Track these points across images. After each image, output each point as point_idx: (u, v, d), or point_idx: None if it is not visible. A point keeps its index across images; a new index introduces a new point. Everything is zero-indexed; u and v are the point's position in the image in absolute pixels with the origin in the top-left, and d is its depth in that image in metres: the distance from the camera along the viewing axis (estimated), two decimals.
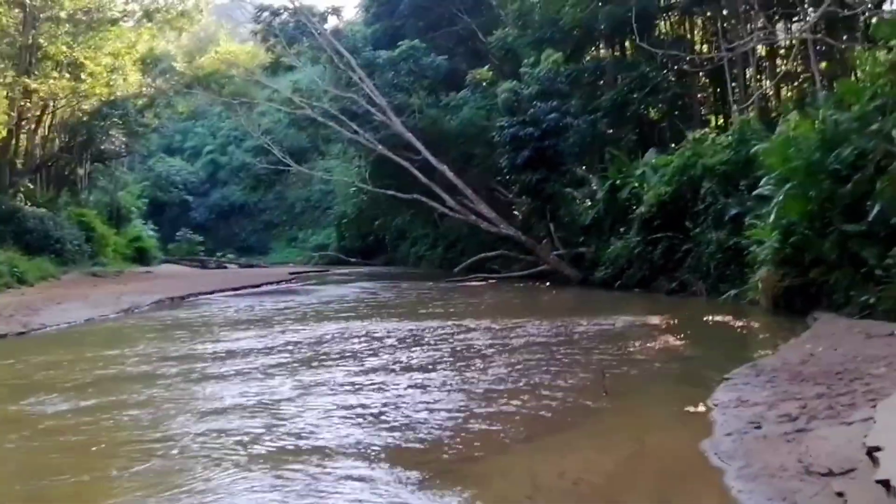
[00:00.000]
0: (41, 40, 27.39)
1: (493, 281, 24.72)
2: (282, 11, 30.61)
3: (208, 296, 20.83)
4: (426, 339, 10.39)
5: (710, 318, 12.88)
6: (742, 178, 17.66)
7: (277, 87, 32.44)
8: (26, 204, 28.02)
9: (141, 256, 37.68)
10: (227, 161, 67.41)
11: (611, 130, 27.19)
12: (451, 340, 10.22)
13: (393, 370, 7.89)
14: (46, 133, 33.13)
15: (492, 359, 8.57)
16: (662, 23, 29.26)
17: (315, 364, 8.48)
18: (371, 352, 9.26)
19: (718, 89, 29.80)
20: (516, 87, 24.29)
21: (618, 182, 22.25)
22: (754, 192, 14.81)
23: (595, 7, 26.57)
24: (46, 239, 26.45)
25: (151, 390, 7.00)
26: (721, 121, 29.41)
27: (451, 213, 25.97)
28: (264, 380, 7.49)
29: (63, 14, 27.87)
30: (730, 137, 18.86)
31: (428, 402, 6.28)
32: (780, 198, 12.47)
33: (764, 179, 13.77)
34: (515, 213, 28.81)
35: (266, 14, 30.46)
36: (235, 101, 31.15)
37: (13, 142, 29.47)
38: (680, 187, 18.98)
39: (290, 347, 9.80)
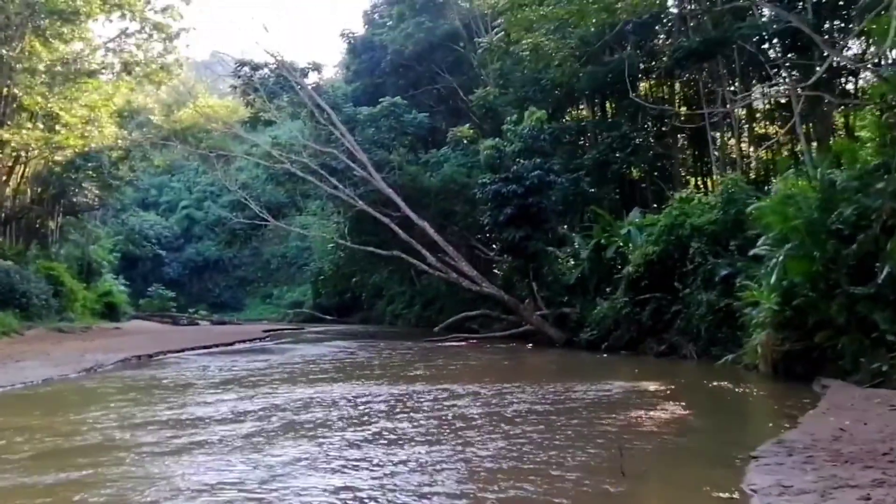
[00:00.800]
0: (16, 90, 26.70)
1: (474, 341, 23.90)
2: (262, 66, 30.25)
3: (178, 354, 19.77)
4: (414, 406, 9.56)
5: (709, 383, 12.21)
6: (731, 238, 17.25)
7: (256, 141, 31.88)
8: None
9: (110, 312, 36.51)
10: (202, 216, 66.52)
11: (592, 189, 26.81)
12: (440, 408, 9.39)
13: (382, 443, 7.06)
14: (18, 184, 32.17)
15: (488, 430, 7.77)
16: (643, 84, 29.22)
17: (295, 434, 7.62)
18: (356, 420, 8.41)
19: (697, 151, 29.75)
20: (499, 144, 23.91)
21: (602, 241, 21.75)
22: (750, 252, 14.25)
23: (577, 68, 26.51)
24: (11, 293, 25.33)
25: (106, 467, 6.10)
26: (701, 181, 29.32)
27: (431, 271, 25.28)
28: (239, 453, 6.62)
29: (41, 66, 27.24)
30: (717, 197, 18.48)
31: (424, 485, 5.46)
32: (780, 258, 11.94)
33: (761, 239, 13.24)
34: (496, 271, 28.18)
35: (246, 69, 30.09)
36: (213, 153, 30.52)
37: None
38: (667, 247, 18.46)
39: (266, 414, 8.92)
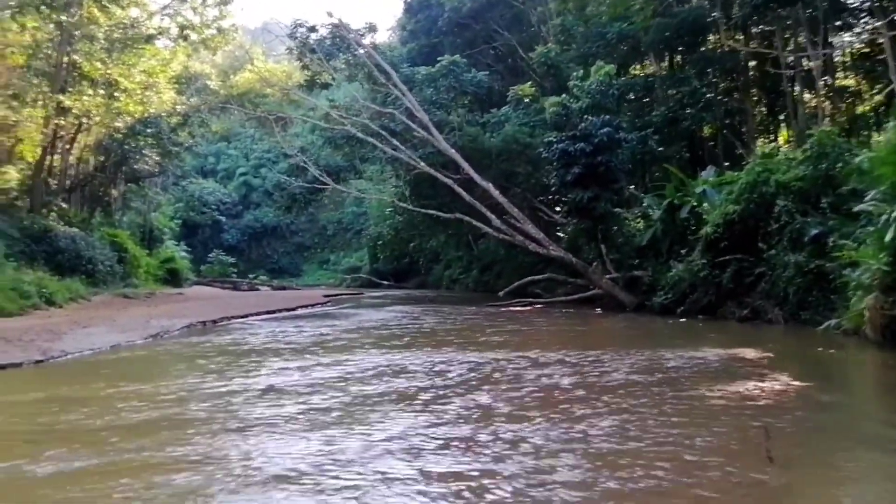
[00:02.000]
0: (76, 58, 26.46)
1: (540, 306, 23.09)
2: (318, 28, 29.46)
3: (242, 319, 19.41)
4: (497, 376, 8.80)
5: (811, 350, 11.17)
6: (821, 194, 16.00)
7: (313, 105, 31.22)
8: (59, 224, 26.97)
9: (173, 278, 36.54)
10: (259, 183, 66.74)
11: (660, 148, 25.50)
12: (528, 378, 8.61)
13: (475, 419, 6.30)
14: (80, 153, 32.21)
15: (591, 404, 6.95)
16: (712, 37, 27.56)
17: (376, 408, 6.93)
18: (438, 392, 7.67)
19: (771, 106, 28.14)
20: (565, 101, 22.75)
21: (675, 201, 20.61)
22: (852, 209, 13.01)
23: (645, 20, 25.07)
24: (78, 259, 25.31)
25: (178, 444, 5.47)
26: (775, 137, 27.73)
27: (495, 234, 24.38)
28: (320, 430, 5.93)
29: (100, 33, 26.93)
30: (805, 152, 17.12)
31: (541, 472, 4.67)
32: (894, 213, 10.76)
33: (871, 193, 11.99)
34: (559, 234, 27.14)
35: (302, 30, 29.27)
36: (272, 115, 29.92)
37: (48, 161, 28.52)
38: (749, 205, 17.22)
39: (340, 384, 8.26)
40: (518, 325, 16.93)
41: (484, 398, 7.27)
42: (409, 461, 4.95)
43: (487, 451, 5.15)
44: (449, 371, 9.13)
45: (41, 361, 10.52)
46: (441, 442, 5.48)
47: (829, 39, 24.35)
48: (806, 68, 23.78)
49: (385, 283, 47.84)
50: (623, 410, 6.62)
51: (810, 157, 16.65)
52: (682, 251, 19.79)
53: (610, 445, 5.34)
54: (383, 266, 49.72)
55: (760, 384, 7.99)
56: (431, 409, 6.73)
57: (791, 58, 23.86)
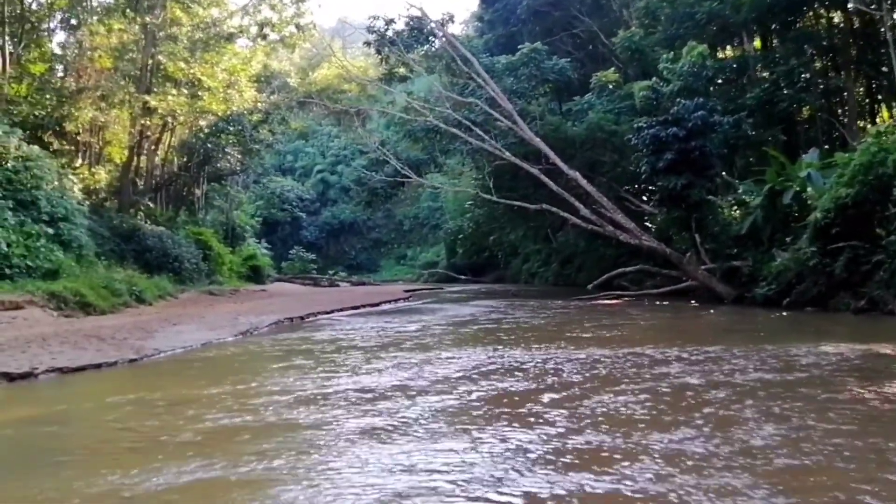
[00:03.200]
0: (160, 58, 26.72)
1: (629, 299, 22.13)
2: (396, 20, 29.02)
3: (328, 315, 19.12)
4: (616, 375, 8.02)
5: None
6: None
7: (391, 99, 30.92)
8: (146, 223, 27.37)
9: (255, 274, 37.06)
10: (336, 180, 67.34)
11: (752, 132, 24.09)
12: (649, 377, 7.80)
13: (612, 426, 5.55)
14: (165, 153, 32.72)
15: (736, 408, 6.12)
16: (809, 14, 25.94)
17: (493, 413, 6.25)
18: (560, 395, 6.93)
19: (870, 85, 26.33)
20: (655, 84, 21.66)
21: (777, 186, 19.30)
22: None
23: None
24: (165, 257, 25.62)
25: (283, 456, 4.90)
26: (875, 119, 25.93)
27: (584, 224, 23.46)
28: (438, 439, 5.29)
29: (182, 31, 27.16)
30: None
31: (717, 494, 3.90)
32: None
33: None
34: (647, 224, 26.03)
35: (380, 23, 28.92)
36: (353, 109, 29.67)
37: (135, 162, 28.98)
38: (864, 188, 15.86)
39: (447, 385, 7.63)
40: (615, 318, 16.03)
41: (613, 400, 6.51)
42: (554, 479, 4.24)
43: (642, 467, 4.40)
44: (562, 370, 8.39)
45: (135, 360, 10.26)
46: (574, 454, 4.76)
47: None
48: None
49: (462, 277, 47.40)
50: (777, 416, 5.76)
51: None
52: (787, 239, 18.52)
53: (786, 461, 4.51)
54: (460, 260, 49.28)
55: None
56: (559, 415, 6.00)
57: (893, 35, 22.14)
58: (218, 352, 11.39)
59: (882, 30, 24.52)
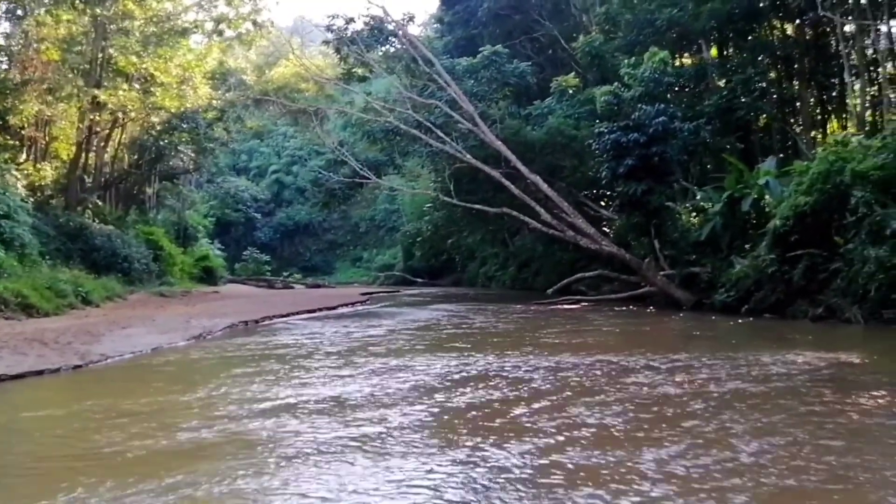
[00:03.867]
0: (112, 52, 25.79)
1: (588, 304, 22.03)
2: (356, 19, 28.55)
3: (284, 319, 18.56)
4: (588, 384, 7.75)
5: None
6: None
7: (350, 99, 30.45)
8: (95, 221, 26.40)
9: (208, 276, 36.30)
10: (291, 181, 66.57)
11: (709, 140, 24.22)
12: (622, 386, 7.56)
13: (594, 441, 5.25)
14: (116, 150, 31.69)
15: (718, 420, 5.89)
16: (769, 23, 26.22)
17: (467, 426, 5.90)
18: (533, 406, 6.63)
19: (825, 94, 26.73)
20: (616, 89, 21.58)
21: (736, 193, 19.35)
22: None
23: (697, 5, 23.81)
24: (114, 257, 24.77)
25: (245, 478, 4.48)
26: (836, 127, 26.34)
27: (545, 229, 23.30)
28: (410, 459, 4.92)
29: (135, 25, 26.27)
30: (884, 139, 15.85)
31: None
32: None
33: None
34: (605, 229, 26.00)
35: (339, 21, 28.41)
36: (311, 108, 29.10)
37: (83, 158, 27.95)
38: (823, 197, 15.95)
39: (416, 396, 7.27)
40: (576, 324, 15.84)
41: (591, 412, 6.22)
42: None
43: (635, 490, 4.10)
44: (533, 378, 8.10)
45: (80, 366, 9.66)
46: (571, 473, 4.44)
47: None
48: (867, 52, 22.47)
49: (419, 280, 47.06)
50: (762, 430, 5.55)
51: (890, 144, 15.40)
52: (746, 246, 18.58)
53: (781, 481, 4.26)
54: (417, 263, 48.95)
55: None
56: (537, 428, 5.69)
57: (846, 46, 22.57)
58: (169, 357, 10.82)
59: (833, 42, 25.06)
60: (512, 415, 6.20)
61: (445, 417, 6.26)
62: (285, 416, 6.30)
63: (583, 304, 22.20)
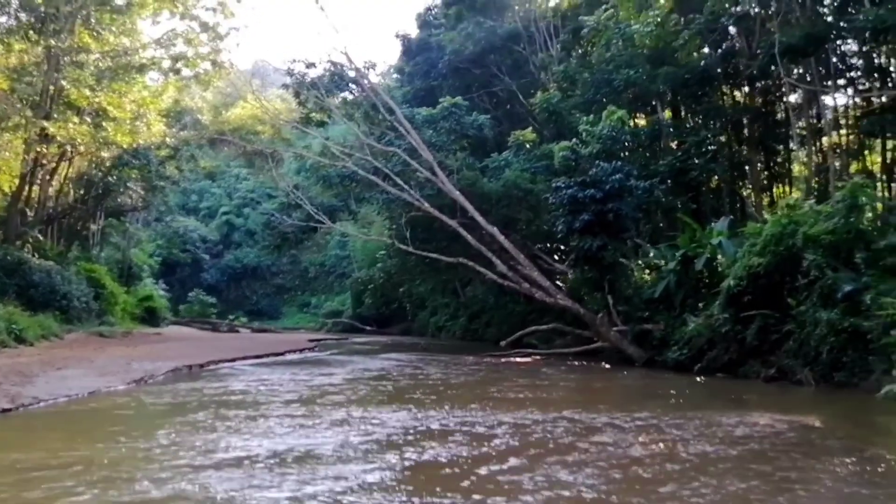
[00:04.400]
0: (64, 84, 25.07)
1: (541, 358, 21.81)
2: (317, 64, 28.46)
3: (230, 364, 17.89)
4: (549, 443, 7.46)
5: (882, 418, 9.93)
6: (854, 249, 15.01)
7: (307, 143, 30.21)
8: (34, 256, 25.32)
9: (150, 317, 35.32)
10: (242, 223, 65.74)
11: (663, 199, 24.54)
12: (587, 447, 7.28)
13: None
14: (61, 184, 30.68)
15: (694, 488, 5.62)
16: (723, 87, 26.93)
17: (427, 490, 5.51)
18: (496, 466, 6.27)
19: (774, 160, 27.45)
20: (574, 146, 21.77)
21: (689, 252, 19.50)
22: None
23: (653, 68, 24.36)
24: (52, 294, 23.70)
25: None
26: (782, 191, 27.01)
27: (500, 280, 23.13)
28: None
29: (90, 58, 25.67)
30: (835, 204, 16.15)
31: None
32: None
33: None
34: (558, 283, 25.95)
35: (300, 65, 28.29)
36: (267, 150, 28.70)
37: (26, 190, 26.94)
38: (776, 259, 16.10)
39: (369, 453, 6.85)
40: (531, 378, 15.57)
41: (559, 477, 5.89)
42: None
43: None
44: (494, 435, 7.75)
45: (9, 410, 8.96)
46: None
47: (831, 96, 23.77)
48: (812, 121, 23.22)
49: (368, 328, 46.41)
50: (741, 497, 5.29)
51: (840, 209, 15.69)
52: (699, 304, 18.62)
53: None
54: (367, 311, 48.25)
55: (872, 464, 6.69)
56: (510, 489, 5.33)
57: (793, 114, 23.36)
58: (106, 403, 10.16)
59: (780, 110, 25.88)
60: (482, 474, 5.85)
61: (413, 475, 5.85)
62: (236, 470, 5.82)
63: (535, 357, 21.94)
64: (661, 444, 7.43)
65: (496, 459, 6.47)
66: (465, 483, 5.60)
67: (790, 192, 26.00)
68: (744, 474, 6.10)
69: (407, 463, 6.31)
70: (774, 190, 27.50)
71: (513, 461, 6.38)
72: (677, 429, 8.53)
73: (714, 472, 6.19)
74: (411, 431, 7.96)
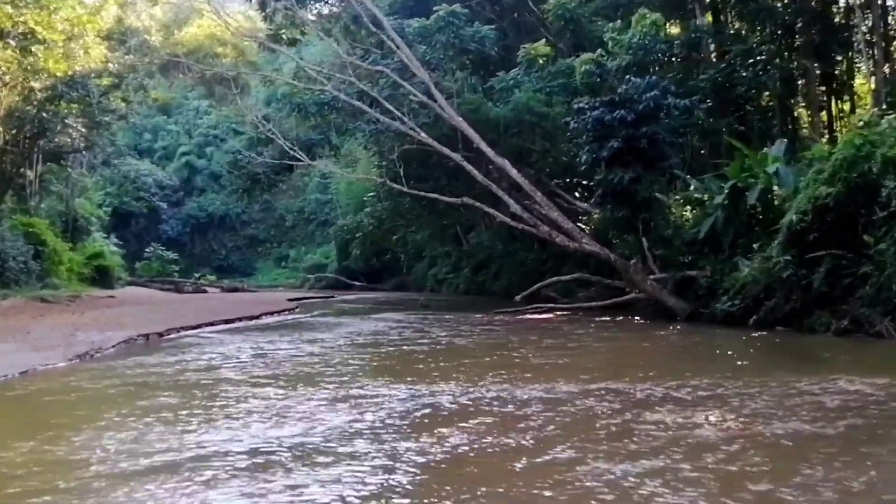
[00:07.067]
0: None
1: (563, 313, 21.29)
2: None
3: (195, 331, 17.50)
4: (596, 426, 6.82)
5: None
6: None
7: (278, 66, 29.29)
8: None
9: (102, 277, 35.19)
10: (205, 164, 65.10)
11: (703, 120, 23.73)
12: (640, 426, 6.67)
13: None
14: None
15: (795, 483, 4.93)
16: None
17: (458, 495, 4.84)
18: (535, 460, 5.60)
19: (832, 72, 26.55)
20: (599, 58, 20.86)
21: (740, 183, 18.74)
22: None
23: None
24: None
25: None
26: (842, 108, 26.21)
27: (514, 224, 22.53)
28: None
29: None
30: None
31: None
32: None
33: None
34: (580, 224, 25.32)
35: None
36: (231, 74, 27.78)
37: None
38: (848, 188, 15.34)
39: (367, 445, 6.21)
40: (556, 338, 15.08)
41: (619, 471, 5.21)
42: None
43: None
44: (525, 415, 7.12)
45: None
46: None
47: None
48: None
49: (357, 283, 46.33)
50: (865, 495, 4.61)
51: None
52: (753, 245, 17.92)
53: None
54: (355, 264, 48.01)
55: None
56: (556, 499, 4.64)
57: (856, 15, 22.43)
58: (41, 384, 9.59)
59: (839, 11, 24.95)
60: (519, 471, 5.17)
61: (433, 476, 5.18)
62: (188, 476, 5.14)
63: (556, 313, 21.51)
64: (737, 422, 6.79)
65: (533, 449, 5.84)
66: (501, 486, 4.92)
67: (853, 110, 25.21)
68: (858, 463, 5.42)
69: (421, 459, 5.65)
70: (833, 107, 26.75)
71: (556, 452, 5.72)
72: (749, 399, 7.92)
73: (816, 460, 5.51)
74: (420, 413, 7.39)
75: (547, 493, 4.77)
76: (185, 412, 7.59)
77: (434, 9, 27.02)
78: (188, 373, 10.54)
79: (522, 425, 6.76)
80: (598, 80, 20.92)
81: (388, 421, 7.04)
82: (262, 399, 8.36)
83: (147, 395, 8.67)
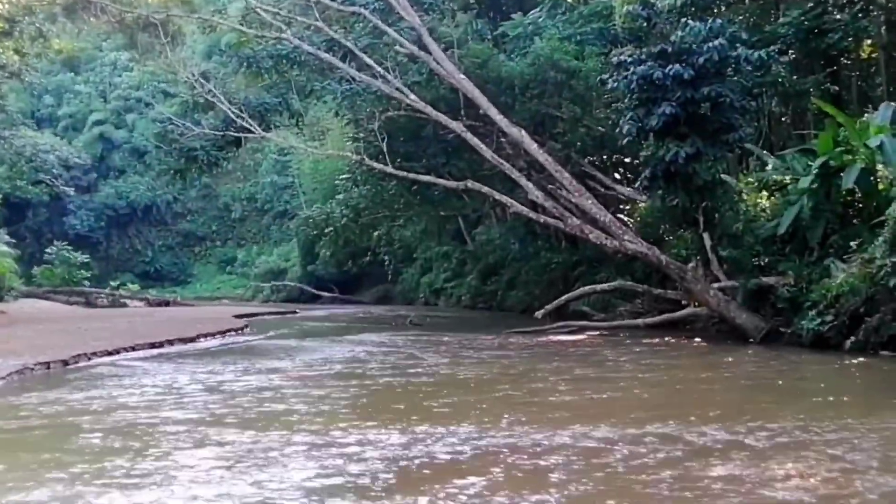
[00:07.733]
0: None
1: (598, 333, 21.70)
2: None
3: (111, 358, 17.65)
4: (647, 479, 7.07)
5: None
6: None
7: (220, 6, 29.53)
8: None
9: None
10: (125, 137, 65.42)
11: (784, 79, 24.02)
12: (702, 483, 6.89)
13: None
14: None
15: None
16: None
17: None
18: None
19: None
20: None
21: (833, 161, 18.93)
22: None
23: None
24: None
25: None
26: None
27: (534, 216, 22.90)
28: None
29: None
30: None
31: None
32: None
33: None
34: (621, 216, 25.64)
35: None
36: (158, 17, 28.01)
37: None
38: None
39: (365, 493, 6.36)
40: (590, 367, 15.64)
41: None
42: None
43: None
44: (545, 470, 7.26)
45: None
46: None
47: None
48: None
49: (327, 294, 46.89)
50: None
51: None
52: (850, 244, 18.16)
53: None
54: (323, 268, 48.66)
55: None
56: None
57: None
58: None
59: None
60: None
61: None
62: None
63: (590, 333, 22.03)
64: (829, 479, 6.90)
65: None
66: None
67: None
68: None
69: None
70: None
71: None
72: (845, 448, 8.12)
73: None
74: (416, 463, 7.63)
75: None
76: (90, 471, 7.61)
77: None
78: (99, 414, 10.64)
79: (543, 481, 6.93)
80: (646, 24, 21.17)
81: (372, 478, 7.18)
82: (200, 452, 8.44)
83: (41, 447, 8.83)
